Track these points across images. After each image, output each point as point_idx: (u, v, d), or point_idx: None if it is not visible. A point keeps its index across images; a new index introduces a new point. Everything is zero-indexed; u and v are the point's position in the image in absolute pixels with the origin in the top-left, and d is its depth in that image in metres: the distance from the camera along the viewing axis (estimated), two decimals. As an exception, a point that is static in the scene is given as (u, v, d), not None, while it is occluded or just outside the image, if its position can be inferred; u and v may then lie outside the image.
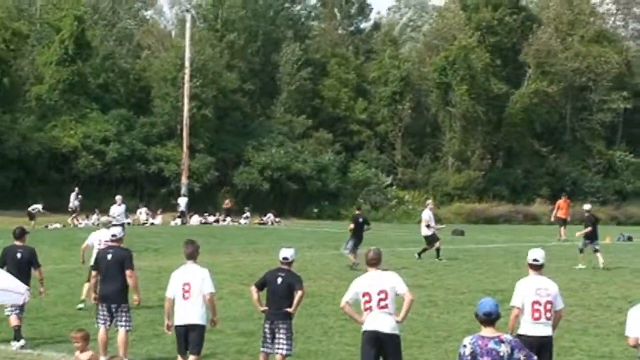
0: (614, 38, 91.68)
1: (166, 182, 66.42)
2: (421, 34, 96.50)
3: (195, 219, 59.74)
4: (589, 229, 31.35)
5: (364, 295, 12.55)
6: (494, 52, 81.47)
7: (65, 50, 65.32)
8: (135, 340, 16.68)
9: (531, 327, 12.29)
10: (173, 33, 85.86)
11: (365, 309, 12.54)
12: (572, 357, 16.57)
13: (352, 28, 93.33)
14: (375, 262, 12.83)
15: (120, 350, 15.23)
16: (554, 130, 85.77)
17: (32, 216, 51.65)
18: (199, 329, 13.74)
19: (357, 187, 73.32)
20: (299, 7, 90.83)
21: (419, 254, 32.69)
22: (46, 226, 51.26)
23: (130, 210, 53.02)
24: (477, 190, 76.75)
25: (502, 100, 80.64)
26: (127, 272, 15.54)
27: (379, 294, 12.46)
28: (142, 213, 58.58)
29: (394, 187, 75.82)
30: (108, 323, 15.51)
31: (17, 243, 17.71)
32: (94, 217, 53.61)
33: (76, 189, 55.38)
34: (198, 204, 63.14)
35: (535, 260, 12.70)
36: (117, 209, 39.60)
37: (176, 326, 13.81)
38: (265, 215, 62.49)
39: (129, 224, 49.84)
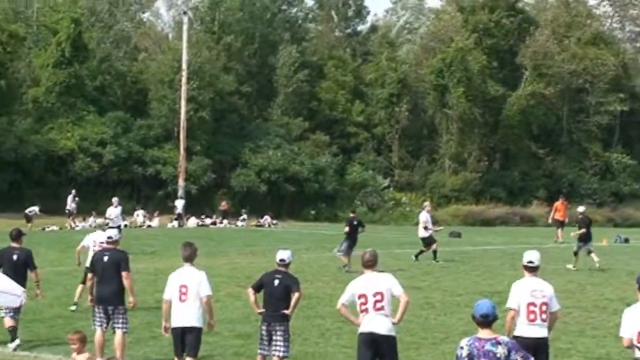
0: (610, 40, 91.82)
1: (163, 185, 66.41)
2: (418, 36, 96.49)
3: (192, 221, 59.75)
4: (583, 230, 31.46)
5: (360, 297, 12.57)
6: (491, 54, 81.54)
7: (62, 52, 65.34)
8: (132, 342, 16.66)
9: (527, 329, 12.31)
10: (170, 35, 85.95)
11: (362, 311, 12.55)
12: (569, 358, 16.58)
13: (349, 30, 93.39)
14: (371, 264, 12.83)
15: (117, 352, 15.22)
16: (551, 132, 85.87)
17: (28, 218, 51.66)
18: (195, 332, 13.72)
19: (354, 189, 73.34)
20: (295, 10, 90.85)
21: (416, 256, 32.70)
22: (43, 228, 51.22)
23: (127, 213, 52.97)
24: (474, 192, 76.79)
25: (499, 102, 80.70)
26: (123, 274, 15.51)
27: (374, 295, 12.47)
28: (139, 215, 58.61)
29: (391, 189, 75.84)
30: (105, 325, 15.49)
31: (14, 245, 17.70)
32: (91, 219, 53.62)
33: (73, 191, 55.37)
34: (195, 206, 63.17)
35: (530, 262, 12.74)
36: (113, 211, 39.55)
37: (173, 328, 13.79)
38: (262, 218, 62.50)
39: (125, 226, 49.80)
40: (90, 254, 19.79)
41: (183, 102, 64.92)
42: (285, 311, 13.84)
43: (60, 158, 62.88)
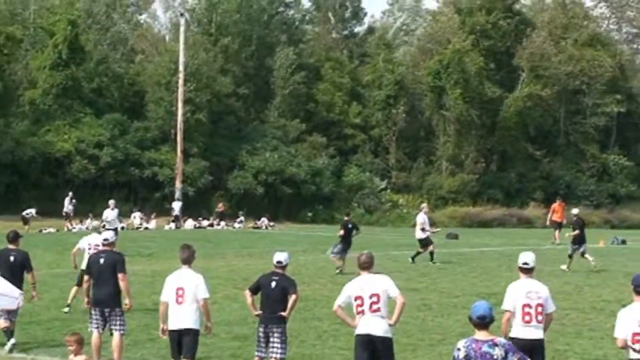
0: (607, 42, 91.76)
1: (160, 187, 66.36)
2: (415, 37, 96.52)
3: (190, 223, 59.76)
4: (577, 232, 31.57)
5: (356, 298, 12.59)
6: (488, 55, 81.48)
7: (59, 54, 65.31)
8: (129, 344, 16.66)
9: (522, 330, 12.33)
10: (167, 37, 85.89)
11: (358, 313, 12.57)
12: (566, 360, 16.62)
13: (346, 32, 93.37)
14: (367, 265, 12.85)
15: (115, 354, 15.24)
16: (548, 134, 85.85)
17: (25, 221, 51.68)
18: (192, 334, 13.73)
19: (352, 191, 73.30)
20: (293, 11, 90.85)
21: (413, 258, 32.73)
22: (40, 230, 51.25)
23: (124, 215, 53.09)
24: (471, 193, 76.75)
25: (496, 104, 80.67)
26: (120, 276, 15.50)
27: (371, 297, 12.49)
28: (136, 217, 58.61)
29: (388, 190, 75.80)
30: (101, 327, 15.48)
31: (11, 247, 17.73)
32: (88, 221, 53.55)
33: (70, 193, 55.39)
34: (192, 208, 63.15)
35: (525, 263, 12.77)
36: (110, 214, 39.51)
37: (170, 331, 13.80)
38: (259, 219, 62.57)
39: (122, 228, 49.84)
40: (86, 257, 19.84)
41: (180, 104, 64.91)
42: (283, 313, 13.84)
43: (57, 160, 62.83)
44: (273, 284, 13.95)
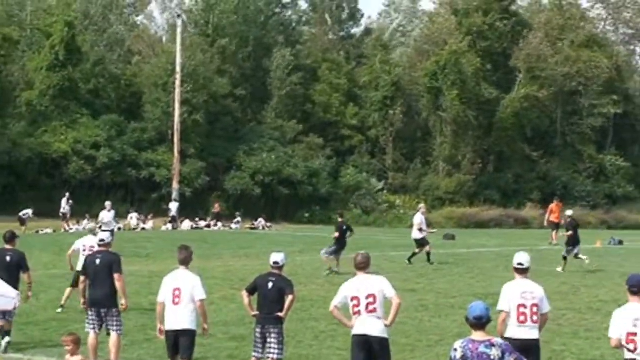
0: (604, 43, 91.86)
1: (157, 187, 66.34)
2: (412, 39, 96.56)
3: (187, 224, 59.69)
4: (570, 232, 31.66)
5: (352, 299, 12.61)
6: (485, 57, 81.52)
7: (55, 55, 65.29)
8: (126, 344, 16.66)
9: (517, 331, 12.34)
10: (164, 38, 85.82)
11: (354, 313, 12.59)
12: (562, 360, 16.63)
13: (343, 33, 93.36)
14: (363, 266, 12.85)
15: (113, 354, 15.24)
16: (545, 135, 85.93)
17: (22, 221, 51.59)
18: (189, 334, 13.73)
19: (348, 191, 73.29)
20: (290, 13, 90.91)
21: (409, 259, 32.70)
22: (37, 231, 51.19)
23: (121, 216, 53.05)
24: (468, 194, 76.76)
25: (492, 105, 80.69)
26: (116, 276, 15.50)
27: (367, 298, 12.51)
28: (133, 218, 58.54)
29: (385, 191, 75.80)
30: (98, 328, 15.49)
31: (7, 247, 17.76)
32: (85, 222, 53.55)
33: (67, 194, 55.31)
34: (189, 209, 63.11)
35: (520, 264, 12.78)
36: (106, 215, 39.52)
37: (166, 331, 13.81)
38: (256, 220, 62.53)
39: (119, 229, 49.89)
40: (81, 259, 19.88)
41: (177, 105, 64.90)
42: (280, 314, 13.86)
43: (54, 161, 62.81)
44: (270, 284, 13.96)
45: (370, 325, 12.44)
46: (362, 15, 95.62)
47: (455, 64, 76.72)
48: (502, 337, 11.62)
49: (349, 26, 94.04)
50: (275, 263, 14.16)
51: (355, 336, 12.55)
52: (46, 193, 60.57)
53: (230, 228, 60.18)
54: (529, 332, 12.38)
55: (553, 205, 45.35)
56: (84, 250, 20.35)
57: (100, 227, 32.51)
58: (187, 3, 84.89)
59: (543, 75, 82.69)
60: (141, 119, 69.52)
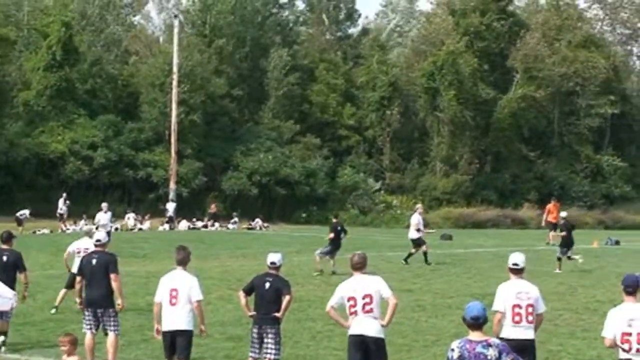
0: (601, 43, 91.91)
1: (154, 188, 66.34)
2: (409, 39, 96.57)
3: (184, 224, 59.71)
4: (564, 233, 31.73)
5: (349, 299, 12.60)
6: (482, 57, 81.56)
7: (52, 56, 65.29)
8: (123, 345, 16.64)
9: (512, 331, 12.33)
10: (161, 39, 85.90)
11: (351, 314, 12.58)
12: (559, 360, 16.63)
13: (340, 33, 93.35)
14: (360, 266, 12.85)
15: (110, 353, 15.23)
16: (542, 135, 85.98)
17: (19, 222, 51.60)
18: (186, 335, 13.72)
19: (346, 192, 73.32)
20: (287, 13, 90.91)
21: (405, 260, 32.65)
22: (34, 232, 51.19)
23: (118, 216, 53.08)
24: (465, 194, 76.79)
25: (490, 105, 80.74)
26: (112, 276, 15.46)
27: (363, 298, 12.50)
28: (130, 218, 58.54)
29: (382, 191, 75.82)
30: (94, 328, 15.46)
31: (4, 247, 17.73)
32: (82, 222, 53.55)
33: (64, 194, 55.29)
34: (186, 209, 63.15)
35: (515, 264, 12.78)
36: (102, 217, 39.41)
37: (163, 332, 13.80)
38: (253, 220, 62.54)
39: (116, 229, 49.88)
40: (76, 261, 19.85)
41: (174, 105, 64.88)
42: (277, 314, 13.84)
43: (51, 161, 62.80)
44: (267, 284, 13.94)
45: (366, 326, 12.43)
46: (359, 16, 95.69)
47: (453, 64, 76.75)
48: (498, 338, 11.64)
49: (346, 26, 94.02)
50: (272, 263, 14.14)
51: (352, 336, 12.55)
52: (43, 193, 60.57)
53: (228, 228, 60.19)
54: (524, 332, 12.38)
55: (550, 206, 45.34)
56: (79, 253, 20.32)
57: (97, 228, 32.50)
58: (184, 3, 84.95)
59: (540, 76, 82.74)
60: (138, 119, 69.53)
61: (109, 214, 40.46)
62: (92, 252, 16.35)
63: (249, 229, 60.34)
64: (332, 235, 30.94)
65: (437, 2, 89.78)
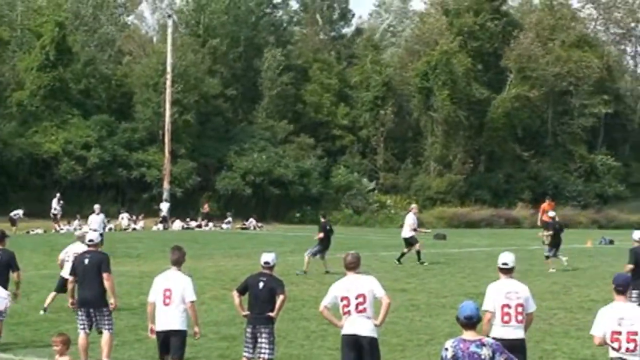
0: (595, 43, 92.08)
1: (148, 188, 66.27)
2: (403, 39, 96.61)
3: (177, 224, 59.68)
4: (551, 232, 31.80)
5: (342, 299, 12.61)
6: (476, 57, 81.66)
7: (46, 56, 65.16)
8: (117, 345, 16.61)
9: (502, 330, 12.29)
10: (154, 39, 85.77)
11: (344, 313, 12.59)
12: (553, 360, 16.64)
13: (333, 33, 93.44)
14: (353, 266, 12.84)
15: (104, 352, 15.21)
16: (536, 135, 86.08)
17: (13, 222, 51.53)
18: (180, 335, 13.71)
19: (339, 191, 73.32)
20: (280, 13, 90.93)
21: (398, 260, 32.63)
22: (28, 232, 51.14)
23: (112, 216, 52.99)
24: (459, 194, 76.83)
25: (483, 105, 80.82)
26: (104, 276, 15.43)
27: (357, 297, 12.51)
28: (123, 218, 58.52)
29: (376, 191, 75.83)
30: (88, 328, 15.44)
31: (-3, 246, 17.72)
32: (76, 222, 53.52)
33: (58, 194, 55.22)
34: (180, 209, 63.10)
35: (504, 264, 12.78)
36: (95, 219, 39.19)
37: (157, 332, 13.79)
38: (247, 220, 62.54)
39: (110, 229, 49.82)
40: (67, 265, 19.80)
41: (168, 105, 64.87)
42: (270, 314, 13.82)
43: (44, 161, 62.69)
44: (261, 284, 13.93)
45: (359, 325, 12.44)
46: (353, 16, 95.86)
47: (446, 64, 76.79)
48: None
49: (340, 26, 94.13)
50: (266, 263, 14.13)
51: (345, 336, 12.56)
52: (37, 193, 60.48)
53: (221, 228, 60.20)
54: (514, 332, 12.36)
55: (545, 205, 45.36)
56: (67, 258, 20.30)
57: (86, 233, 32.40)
58: (178, 3, 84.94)
59: (534, 75, 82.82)
60: (132, 119, 69.44)
61: (102, 215, 40.25)
62: (85, 252, 16.33)
63: (242, 228, 60.34)
64: (321, 234, 30.90)
65: (430, 2, 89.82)
